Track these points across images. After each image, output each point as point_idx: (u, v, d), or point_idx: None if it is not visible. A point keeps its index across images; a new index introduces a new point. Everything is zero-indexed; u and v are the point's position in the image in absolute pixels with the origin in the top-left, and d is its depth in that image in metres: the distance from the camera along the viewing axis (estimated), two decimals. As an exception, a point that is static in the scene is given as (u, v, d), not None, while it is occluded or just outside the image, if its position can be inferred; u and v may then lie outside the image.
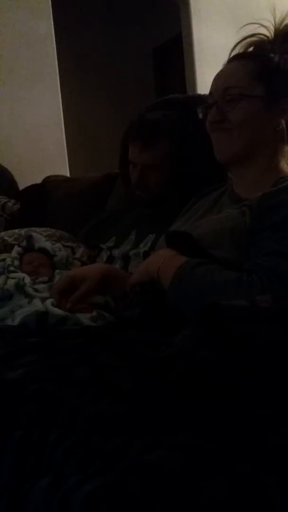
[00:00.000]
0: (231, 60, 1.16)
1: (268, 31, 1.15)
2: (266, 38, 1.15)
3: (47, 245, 1.41)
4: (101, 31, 4.93)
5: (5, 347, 0.86)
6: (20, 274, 1.25)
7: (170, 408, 0.58)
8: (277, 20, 1.14)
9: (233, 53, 1.17)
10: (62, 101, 3.26)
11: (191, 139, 1.40)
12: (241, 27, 1.17)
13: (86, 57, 4.93)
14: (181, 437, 0.52)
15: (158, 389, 0.62)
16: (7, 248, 1.51)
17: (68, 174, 3.12)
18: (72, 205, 2.02)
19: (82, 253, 1.50)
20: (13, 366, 0.75)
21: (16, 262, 1.32)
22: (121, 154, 1.58)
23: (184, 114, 1.43)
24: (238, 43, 1.17)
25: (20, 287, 1.19)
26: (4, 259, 1.34)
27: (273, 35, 1.15)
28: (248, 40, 1.16)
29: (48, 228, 1.66)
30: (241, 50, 1.16)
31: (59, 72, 3.24)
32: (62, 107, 3.26)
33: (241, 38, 1.16)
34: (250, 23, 1.17)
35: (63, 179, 2.41)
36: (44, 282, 1.25)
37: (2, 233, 1.65)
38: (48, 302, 1.13)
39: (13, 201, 2.15)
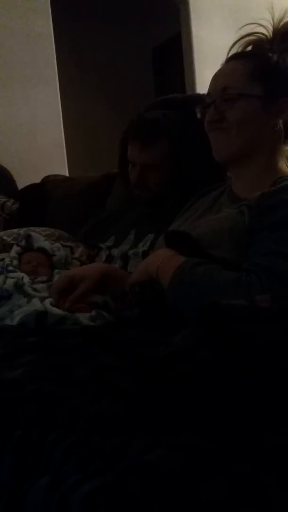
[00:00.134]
0: (229, 60, 1.16)
1: (266, 31, 1.15)
2: (264, 37, 1.15)
3: (46, 244, 1.41)
4: (100, 31, 4.92)
5: (4, 347, 0.86)
6: (19, 274, 1.25)
7: (170, 408, 0.58)
8: (275, 19, 1.14)
9: (232, 53, 1.17)
10: (62, 101, 3.27)
11: (190, 139, 1.40)
12: (240, 28, 1.17)
13: (85, 57, 4.93)
14: (180, 437, 0.52)
15: (158, 389, 0.62)
16: (6, 247, 1.51)
17: (67, 174, 3.12)
18: (71, 205, 2.02)
19: (81, 252, 1.50)
20: (12, 366, 0.75)
21: (15, 262, 1.32)
22: (120, 153, 1.58)
23: (183, 113, 1.43)
24: (236, 42, 1.17)
25: (19, 286, 1.19)
26: (3, 259, 1.34)
27: (271, 34, 1.15)
28: (247, 39, 1.16)
29: (47, 228, 1.66)
30: (240, 49, 1.16)
31: (58, 72, 3.24)
32: (61, 107, 3.26)
33: (239, 37, 1.16)
34: (249, 24, 1.17)
35: (62, 178, 2.41)
36: (43, 282, 1.25)
37: (1, 233, 1.65)
38: (47, 301, 1.13)
39: (12, 200, 2.15)
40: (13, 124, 3.07)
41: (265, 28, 1.15)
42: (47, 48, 3.17)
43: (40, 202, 2.14)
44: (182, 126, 1.42)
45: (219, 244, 1.02)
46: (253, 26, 1.16)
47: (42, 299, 1.14)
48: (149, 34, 5.07)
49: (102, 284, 1.19)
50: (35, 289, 1.20)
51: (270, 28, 1.15)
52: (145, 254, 1.38)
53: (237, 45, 1.17)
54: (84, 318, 1.09)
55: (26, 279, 1.22)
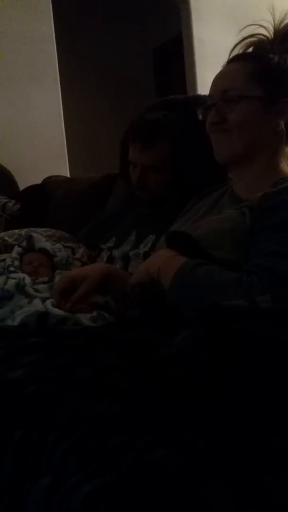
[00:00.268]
0: (230, 61, 1.16)
1: (267, 31, 1.15)
2: (265, 38, 1.16)
3: (47, 245, 1.41)
4: (101, 32, 4.93)
5: (5, 347, 0.86)
6: (20, 275, 1.25)
7: (170, 408, 0.58)
8: (276, 20, 1.14)
9: (233, 54, 1.17)
10: (62, 102, 3.27)
11: (191, 140, 1.40)
12: (241, 29, 1.17)
13: (87, 58, 4.93)
14: (181, 437, 0.52)
15: (158, 390, 0.62)
16: (8, 248, 1.51)
17: (68, 175, 3.12)
18: (72, 205, 2.02)
19: (82, 253, 1.50)
20: (13, 366, 0.75)
21: (16, 263, 1.32)
22: (121, 154, 1.58)
23: (184, 114, 1.43)
24: (238, 43, 1.17)
25: (20, 287, 1.19)
26: (4, 260, 1.34)
27: (272, 35, 1.15)
28: (248, 40, 1.16)
29: (48, 229, 1.66)
30: (241, 51, 1.17)
31: (59, 72, 3.24)
32: (62, 107, 3.26)
33: (241, 39, 1.16)
34: (250, 25, 1.17)
35: (63, 179, 2.41)
36: (44, 283, 1.25)
37: (2, 234, 1.65)
38: (48, 302, 1.13)
39: (13, 201, 2.15)
40: (14, 125, 3.07)
41: (266, 29, 1.15)
42: (48, 48, 3.18)
43: (41, 202, 2.14)
44: (183, 127, 1.42)
45: (220, 244, 1.02)
46: (254, 27, 1.16)
47: (43, 300, 1.14)
48: (150, 34, 5.07)
49: (103, 284, 1.19)
50: (36, 290, 1.20)
51: (271, 29, 1.15)
52: (146, 255, 1.39)
53: (238, 47, 1.17)
54: (85, 318, 1.09)
55: (28, 279, 1.23)
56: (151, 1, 4.76)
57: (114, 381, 0.66)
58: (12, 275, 1.25)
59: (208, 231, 1.06)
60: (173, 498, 0.45)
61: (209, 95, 1.16)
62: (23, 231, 1.61)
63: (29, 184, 2.32)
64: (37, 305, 1.12)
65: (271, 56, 1.13)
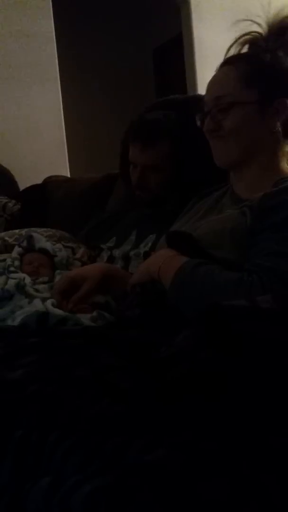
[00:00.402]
0: (223, 64, 1.16)
1: (261, 28, 1.14)
2: (259, 35, 1.14)
3: (48, 245, 1.41)
4: (101, 31, 4.93)
5: (5, 347, 0.86)
6: (21, 275, 1.25)
7: (170, 408, 0.58)
8: (269, 17, 1.13)
9: (229, 54, 1.16)
10: (63, 102, 3.27)
11: (191, 140, 1.40)
12: (234, 23, 1.16)
13: (87, 58, 4.93)
14: (181, 437, 0.52)
15: (158, 389, 0.62)
16: (8, 248, 1.51)
17: (68, 175, 3.12)
18: (72, 206, 2.02)
19: (82, 253, 1.50)
20: (13, 367, 0.75)
21: (17, 263, 1.32)
22: (121, 154, 1.58)
23: (184, 114, 1.43)
24: (233, 44, 1.16)
25: (20, 287, 1.19)
26: (4, 260, 1.34)
27: (267, 32, 1.14)
28: (243, 39, 1.16)
29: (48, 229, 1.66)
30: (237, 49, 1.16)
31: (59, 72, 3.24)
32: (63, 107, 3.27)
33: (236, 38, 1.16)
34: (243, 20, 1.16)
35: (64, 179, 2.41)
36: (44, 283, 1.25)
37: (3, 234, 1.65)
38: (49, 302, 1.13)
39: (13, 201, 2.15)
40: (14, 125, 3.07)
41: (260, 26, 1.14)
42: (48, 48, 3.18)
43: (42, 203, 2.14)
44: (183, 126, 1.42)
45: (221, 244, 1.02)
46: (248, 23, 1.15)
47: (44, 300, 1.14)
48: (150, 34, 5.07)
49: (104, 284, 1.19)
50: (36, 290, 1.20)
51: (265, 25, 1.14)
52: (146, 254, 1.38)
53: (234, 46, 1.16)
54: (85, 318, 1.09)
55: (28, 279, 1.23)
56: (152, 1, 4.76)
57: (114, 381, 0.66)
58: (12, 275, 1.25)
59: (208, 231, 1.06)
60: (173, 498, 0.45)
61: (204, 101, 1.16)
62: (23, 231, 1.61)
63: (29, 184, 2.32)
64: (37, 305, 1.12)
65: (264, 55, 1.13)
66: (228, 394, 0.58)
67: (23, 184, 2.50)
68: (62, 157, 3.26)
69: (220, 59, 1.18)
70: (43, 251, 1.39)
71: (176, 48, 4.26)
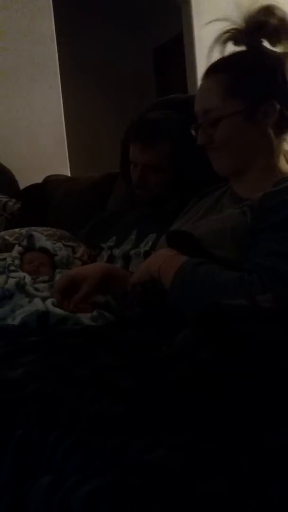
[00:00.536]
0: (206, 74, 1.15)
1: (238, 24, 1.13)
2: (238, 32, 1.12)
3: (48, 244, 1.41)
4: (101, 31, 4.92)
5: (6, 347, 0.86)
6: (21, 274, 1.25)
7: (170, 408, 0.58)
8: (245, 12, 1.12)
9: (213, 51, 1.15)
10: (63, 101, 3.26)
11: (191, 139, 1.39)
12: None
13: (87, 57, 4.93)
14: (181, 437, 0.52)
15: (158, 389, 0.62)
16: (8, 247, 1.51)
17: (68, 174, 3.11)
18: (72, 205, 2.02)
19: (82, 252, 1.50)
20: (13, 366, 0.75)
21: (17, 262, 1.32)
22: (121, 153, 1.58)
23: (184, 114, 1.43)
24: (215, 43, 1.15)
25: (20, 286, 1.19)
26: (4, 259, 1.34)
27: (245, 27, 1.12)
28: (224, 37, 1.14)
29: (48, 228, 1.66)
30: (220, 48, 1.14)
31: (60, 71, 3.24)
32: (63, 106, 3.26)
33: (216, 38, 1.15)
34: (220, 19, 1.14)
35: (64, 178, 2.41)
36: (44, 282, 1.25)
37: (3, 233, 1.65)
38: (49, 301, 1.13)
39: (14, 200, 2.15)
40: (14, 124, 3.07)
41: (236, 23, 1.13)
42: (48, 48, 3.17)
43: (42, 202, 2.14)
44: (184, 126, 1.42)
45: (221, 244, 1.02)
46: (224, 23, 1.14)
47: (44, 299, 1.14)
48: (150, 34, 5.07)
49: (104, 284, 1.19)
50: (36, 289, 1.20)
51: (241, 22, 1.12)
52: (146, 254, 1.38)
53: (217, 45, 1.15)
54: (85, 318, 1.09)
55: (28, 278, 1.23)
56: (152, 1, 4.76)
57: (115, 381, 0.66)
58: (13, 274, 1.25)
59: (208, 231, 1.06)
60: (173, 498, 0.45)
61: (195, 112, 1.16)
62: (23, 230, 1.61)
63: (29, 183, 2.32)
64: (38, 304, 1.12)
65: (246, 57, 1.12)
66: (228, 394, 0.58)
67: (23, 183, 2.50)
68: (62, 156, 3.26)
69: (220, 59, 1.18)
70: (43, 250, 1.39)
71: (177, 47, 4.25)
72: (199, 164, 1.37)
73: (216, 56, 1.15)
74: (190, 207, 1.31)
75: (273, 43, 1.11)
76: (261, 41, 1.12)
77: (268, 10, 1.10)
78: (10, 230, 1.68)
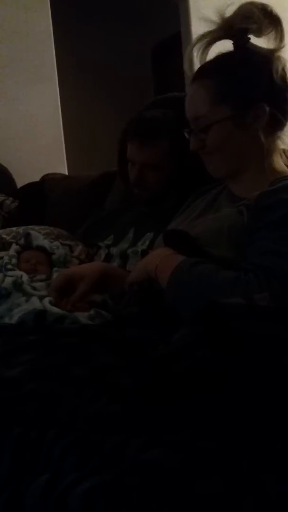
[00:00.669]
0: (193, 79, 1.15)
1: (220, 25, 1.12)
2: (224, 32, 1.12)
3: (45, 243, 1.41)
4: (99, 30, 4.91)
5: (3, 345, 0.86)
6: (18, 272, 1.25)
7: (168, 407, 0.58)
8: (226, 12, 1.11)
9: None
10: (61, 99, 3.26)
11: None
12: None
13: (85, 55, 4.92)
14: (178, 436, 0.52)
15: (156, 388, 0.62)
16: (5, 246, 1.51)
17: (66, 172, 3.11)
18: (70, 203, 2.02)
19: (80, 251, 1.50)
20: (11, 364, 0.75)
21: (14, 260, 1.32)
22: (119, 152, 1.57)
23: (182, 112, 1.43)
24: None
25: (18, 285, 1.19)
26: (1, 257, 1.34)
27: (230, 26, 1.11)
28: (211, 37, 1.13)
29: (46, 226, 1.65)
30: (207, 49, 1.14)
31: (57, 70, 3.23)
32: (61, 105, 3.26)
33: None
34: (213, 21, 1.13)
35: (62, 177, 2.41)
36: (42, 280, 1.25)
37: (0, 231, 1.65)
38: (46, 300, 1.13)
39: (11, 199, 2.15)
40: (12, 123, 3.06)
41: (218, 24, 1.11)
42: (46, 47, 3.17)
43: (39, 200, 2.13)
44: (181, 125, 1.42)
45: (218, 243, 1.02)
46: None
47: (41, 298, 1.14)
48: (148, 33, 5.06)
49: (101, 283, 1.19)
50: (34, 288, 1.20)
51: (221, 22, 1.11)
52: (144, 253, 1.38)
53: (204, 42, 1.13)
54: (83, 317, 1.09)
55: (25, 277, 1.22)
56: (150, 0, 4.75)
57: (112, 380, 0.66)
58: (10, 273, 1.25)
59: (205, 230, 1.06)
60: (171, 496, 0.45)
61: (187, 118, 1.16)
62: (20, 229, 1.61)
63: (27, 182, 2.32)
64: (35, 303, 1.12)
65: (233, 59, 1.11)
66: (226, 393, 0.58)
67: (20, 182, 2.50)
68: (60, 154, 3.25)
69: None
70: (41, 248, 1.39)
71: (175, 46, 4.25)
72: (197, 162, 1.37)
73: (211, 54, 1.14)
74: (187, 206, 1.31)
75: (257, 34, 1.10)
76: (249, 38, 1.11)
77: (251, 2, 1.10)
78: (7, 228, 1.68)
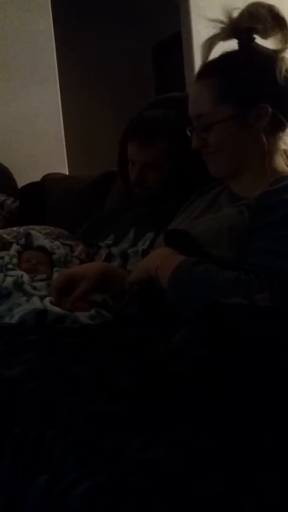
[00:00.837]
0: (197, 78, 1.15)
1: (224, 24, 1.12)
2: (231, 31, 1.12)
3: (46, 243, 1.41)
4: (100, 29, 4.91)
5: (4, 345, 0.86)
6: (19, 272, 1.25)
7: (168, 406, 0.58)
8: (233, 12, 1.11)
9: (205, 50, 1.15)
10: (61, 99, 3.26)
11: (189, 138, 1.39)
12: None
13: (85, 55, 4.92)
14: (179, 435, 0.52)
15: (156, 388, 0.62)
16: (6, 246, 1.51)
17: (67, 172, 3.11)
18: (71, 203, 2.02)
19: (80, 251, 1.50)
20: (11, 364, 0.75)
21: (15, 260, 1.32)
22: (119, 152, 1.57)
23: (183, 112, 1.42)
24: (209, 48, 1.14)
25: (18, 285, 1.19)
26: (2, 257, 1.34)
27: (236, 24, 1.11)
28: (218, 37, 1.13)
29: (46, 226, 1.66)
30: (216, 45, 1.13)
31: (58, 69, 3.23)
32: (61, 104, 3.26)
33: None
34: (213, 20, 1.13)
35: (62, 177, 2.41)
36: (42, 280, 1.25)
37: (1, 231, 1.65)
38: (47, 300, 1.13)
39: (11, 199, 2.15)
40: (12, 122, 3.07)
41: (222, 22, 1.11)
42: (47, 46, 3.17)
43: (40, 200, 2.14)
44: (182, 124, 1.42)
45: (218, 243, 1.02)
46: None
47: (42, 298, 1.15)
48: (149, 32, 5.05)
49: (102, 282, 1.19)
50: (34, 288, 1.20)
51: (227, 21, 1.11)
52: (144, 252, 1.38)
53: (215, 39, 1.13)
54: (83, 316, 1.09)
55: (26, 277, 1.23)
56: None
57: (112, 379, 0.66)
58: (10, 272, 1.25)
59: (206, 229, 1.06)
60: (170, 496, 0.45)
61: (190, 116, 1.16)
62: (21, 229, 1.61)
63: (27, 182, 2.32)
64: (36, 302, 1.12)
65: (238, 59, 1.11)
66: (226, 393, 0.58)
67: (21, 182, 2.50)
68: (60, 154, 3.26)
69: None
70: (41, 248, 1.39)
71: (175, 46, 4.25)
72: (197, 162, 1.37)
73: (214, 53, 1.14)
74: (188, 206, 1.31)
75: (263, 36, 1.10)
76: (254, 38, 1.11)
77: (259, 3, 1.09)
78: (8, 228, 1.68)
